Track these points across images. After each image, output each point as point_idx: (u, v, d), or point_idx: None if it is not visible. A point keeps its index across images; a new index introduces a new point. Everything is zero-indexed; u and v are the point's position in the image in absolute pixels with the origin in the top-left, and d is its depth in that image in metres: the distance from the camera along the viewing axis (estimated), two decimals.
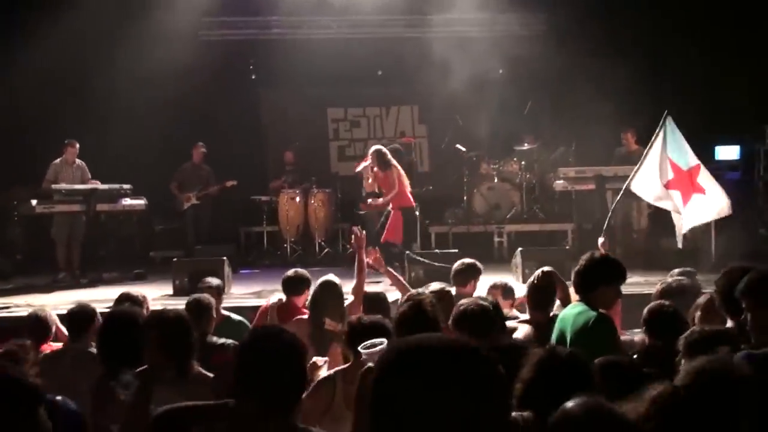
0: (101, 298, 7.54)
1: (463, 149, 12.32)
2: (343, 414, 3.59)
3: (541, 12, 13.18)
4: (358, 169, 10.39)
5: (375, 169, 9.88)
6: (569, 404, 2.20)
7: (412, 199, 10.01)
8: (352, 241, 6.09)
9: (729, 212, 6.67)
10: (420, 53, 11.77)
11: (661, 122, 6.68)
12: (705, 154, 11.80)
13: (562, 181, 11.00)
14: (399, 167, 9.95)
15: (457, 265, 6.31)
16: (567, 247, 10.72)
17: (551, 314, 5.13)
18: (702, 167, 6.66)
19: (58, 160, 10.67)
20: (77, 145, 10.72)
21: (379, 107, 14.55)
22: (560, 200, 12.18)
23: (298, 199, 11.99)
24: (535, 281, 5.25)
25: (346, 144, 14.58)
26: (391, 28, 12.25)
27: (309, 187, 12.13)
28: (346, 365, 3.82)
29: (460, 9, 12.15)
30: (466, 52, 11.59)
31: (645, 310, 4.40)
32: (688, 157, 6.59)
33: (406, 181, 9.93)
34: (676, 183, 6.54)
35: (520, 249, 9.47)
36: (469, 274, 6.18)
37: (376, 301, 5.31)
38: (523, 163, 12.32)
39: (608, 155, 11.33)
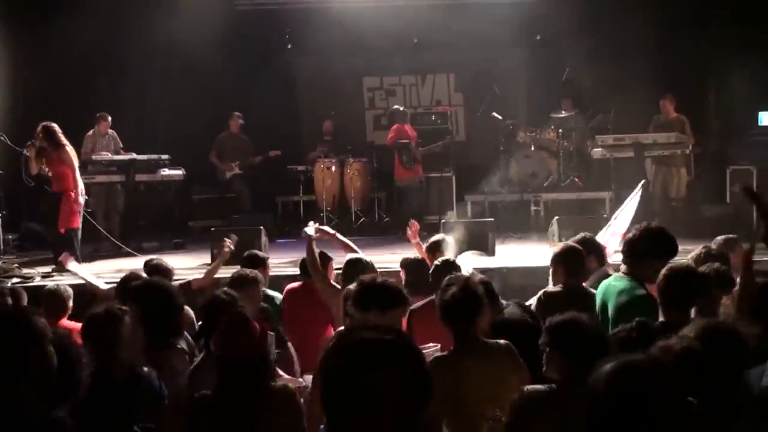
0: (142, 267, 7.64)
1: (500, 117, 12.20)
2: None
3: None
4: (25, 151, 8.96)
5: (43, 147, 8.74)
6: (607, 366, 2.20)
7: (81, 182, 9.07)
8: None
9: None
10: (455, 20, 11.64)
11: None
12: (749, 120, 11.64)
13: (600, 149, 10.87)
14: (71, 147, 8.91)
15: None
16: (605, 216, 10.60)
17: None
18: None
19: (90, 132, 10.84)
20: (109, 119, 10.89)
21: (414, 75, 14.43)
22: (598, 168, 12.04)
23: (333, 168, 12.00)
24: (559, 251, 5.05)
25: (381, 113, 14.50)
26: None
27: (345, 157, 12.13)
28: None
29: None
30: (503, 18, 11.46)
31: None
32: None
33: (76, 162, 8.97)
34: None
35: (556, 217, 9.40)
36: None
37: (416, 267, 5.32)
38: (560, 130, 12.17)
39: (647, 122, 11.16)
